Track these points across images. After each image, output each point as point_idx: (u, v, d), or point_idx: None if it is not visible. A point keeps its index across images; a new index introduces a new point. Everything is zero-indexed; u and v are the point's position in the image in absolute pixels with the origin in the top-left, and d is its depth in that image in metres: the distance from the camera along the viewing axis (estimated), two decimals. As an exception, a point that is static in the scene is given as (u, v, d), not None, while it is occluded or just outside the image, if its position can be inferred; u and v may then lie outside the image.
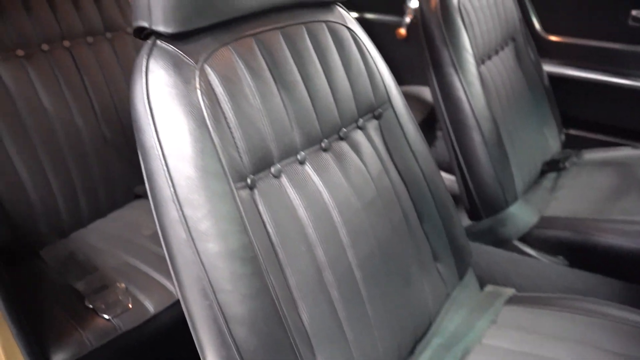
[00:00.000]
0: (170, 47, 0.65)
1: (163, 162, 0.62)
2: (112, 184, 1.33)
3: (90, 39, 1.28)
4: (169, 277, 1.06)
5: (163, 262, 1.09)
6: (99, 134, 1.29)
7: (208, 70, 0.66)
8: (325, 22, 0.85)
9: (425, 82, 1.98)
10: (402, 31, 1.94)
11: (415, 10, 1.92)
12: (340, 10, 0.91)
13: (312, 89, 0.79)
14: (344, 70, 0.85)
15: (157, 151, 0.63)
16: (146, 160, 0.64)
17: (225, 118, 0.66)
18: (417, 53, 2.00)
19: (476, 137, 1.26)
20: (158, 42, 0.65)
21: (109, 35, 1.32)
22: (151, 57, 0.64)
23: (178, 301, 1.04)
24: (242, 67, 0.70)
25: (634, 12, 1.56)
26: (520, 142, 1.41)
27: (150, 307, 1.01)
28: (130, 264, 1.10)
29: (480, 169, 1.28)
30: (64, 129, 1.22)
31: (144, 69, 0.64)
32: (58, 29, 1.22)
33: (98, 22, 1.29)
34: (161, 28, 0.64)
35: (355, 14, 2.08)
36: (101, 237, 1.21)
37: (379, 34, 2.06)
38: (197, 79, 0.65)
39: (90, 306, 0.99)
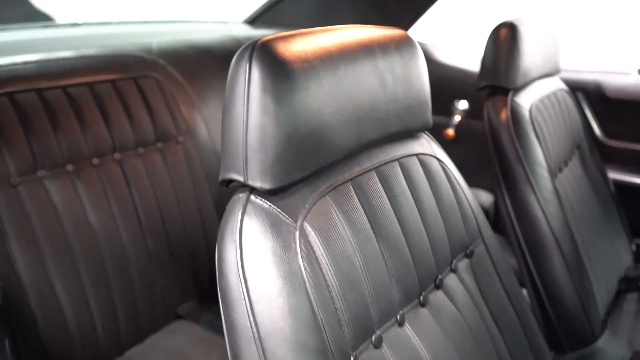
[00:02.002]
0: (266, 204, 0.56)
1: (259, 347, 0.52)
2: (153, 303, 1.22)
3: (141, 150, 1.23)
4: None
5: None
6: (144, 249, 1.20)
7: (308, 229, 0.57)
8: (417, 155, 0.77)
9: (474, 184, 1.90)
10: (450, 132, 1.89)
11: (463, 111, 1.88)
12: (428, 139, 0.84)
13: (409, 235, 0.70)
14: (437, 205, 0.77)
15: (253, 333, 0.52)
16: (236, 341, 0.54)
17: (328, 286, 0.57)
18: (466, 154, 1.94)
19: (556, 261, 1.15)
20: (252, 197, 0.57)
21: (159, 145, 1.26)
22: (246, 216, 0.55)
23: None
24: (342, 220, 0.61)
25: None
26: (597, 259, 1.29)
27: None
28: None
29: (562, 295, 1.15)
30: (109, 245, 1.13)
31: (237, 230, 0.55)
32: (110, 143, 1.17)
33: (150, 132, 1.25)
34: (258, 184, 0.56)
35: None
36: (143, 373, 1.08)
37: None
38: (297, 242, 0.56)
39: None
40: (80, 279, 1.09)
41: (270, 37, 0.57)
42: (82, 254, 1.09)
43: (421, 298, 0.69)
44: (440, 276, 0.74)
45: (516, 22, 1.21)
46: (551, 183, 1.19)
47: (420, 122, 0.78)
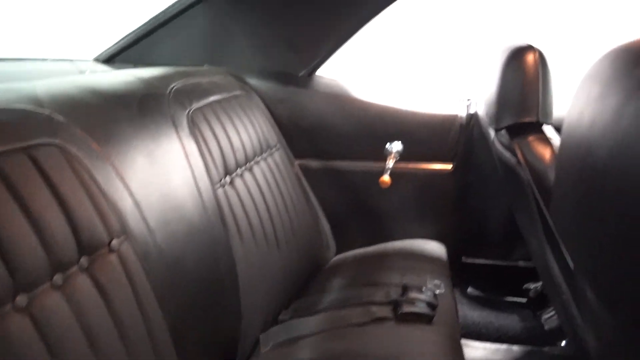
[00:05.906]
0: None
1: None
2: None
3: (59, 279, 0.66)
4: None
5: None
6: None
7: None
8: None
9: (420, 234, 1.68)
10: (386, 179, 1.63)
11: (397, 153, 1.65)
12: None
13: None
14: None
15: None
16: None
17: None
18: (405, 202, 1.71)
19: None
20: None
21: (84, 261, 0.71)
22: None
23: None
24: None
25: None
26: None
27: None
28: None
29: None
30: None
31: None
32: (7, 278, 0.60)
33: (70, 243, 0.69)
34: None
35: (315, 162, 1.72)
36: None
37: (354, 185, 1.73)
38: None
39: None
40: None
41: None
42: None
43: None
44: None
45: (536, 47, 1.03)
46: None
47: None
